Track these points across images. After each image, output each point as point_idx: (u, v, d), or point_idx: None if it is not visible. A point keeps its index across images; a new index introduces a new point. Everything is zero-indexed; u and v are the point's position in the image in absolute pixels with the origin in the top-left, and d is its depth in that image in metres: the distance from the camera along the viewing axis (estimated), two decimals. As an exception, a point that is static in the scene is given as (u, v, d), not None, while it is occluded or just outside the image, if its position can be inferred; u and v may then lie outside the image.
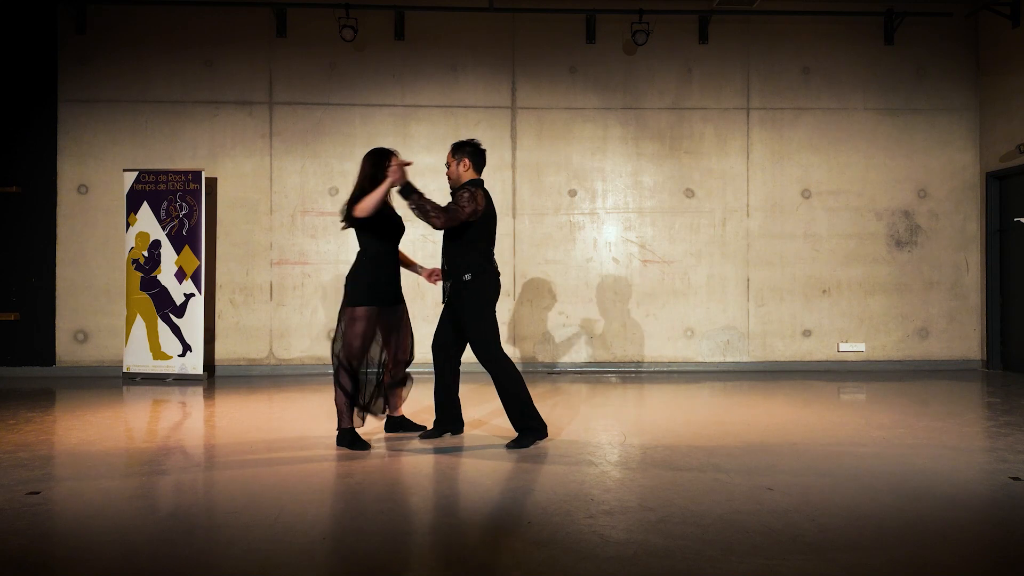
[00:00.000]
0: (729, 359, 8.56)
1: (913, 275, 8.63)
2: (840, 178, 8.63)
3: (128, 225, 7.93)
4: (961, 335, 8.64)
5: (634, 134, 8.57)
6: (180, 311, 7.82)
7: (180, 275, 7.84)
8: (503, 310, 8.32)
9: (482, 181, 4.78)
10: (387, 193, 4.49)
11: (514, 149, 8.49)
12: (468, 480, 3.97)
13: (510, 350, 8.33)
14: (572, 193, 8.53)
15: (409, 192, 4.48)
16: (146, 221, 7.90)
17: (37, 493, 3.67)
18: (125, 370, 7.84)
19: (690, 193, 8.57)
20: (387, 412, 4.91)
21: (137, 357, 7.83)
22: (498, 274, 4.75)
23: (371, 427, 5.12)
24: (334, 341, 4.69)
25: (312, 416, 5.78)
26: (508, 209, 8.45)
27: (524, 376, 4.87)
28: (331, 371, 8.14)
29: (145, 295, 7.86)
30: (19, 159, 8.22)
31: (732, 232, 8.57)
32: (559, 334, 8.49)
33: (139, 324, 7.84)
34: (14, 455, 4.46)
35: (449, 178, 4.80)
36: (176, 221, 7.87)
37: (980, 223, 8.64)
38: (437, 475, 4.13)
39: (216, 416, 5.93)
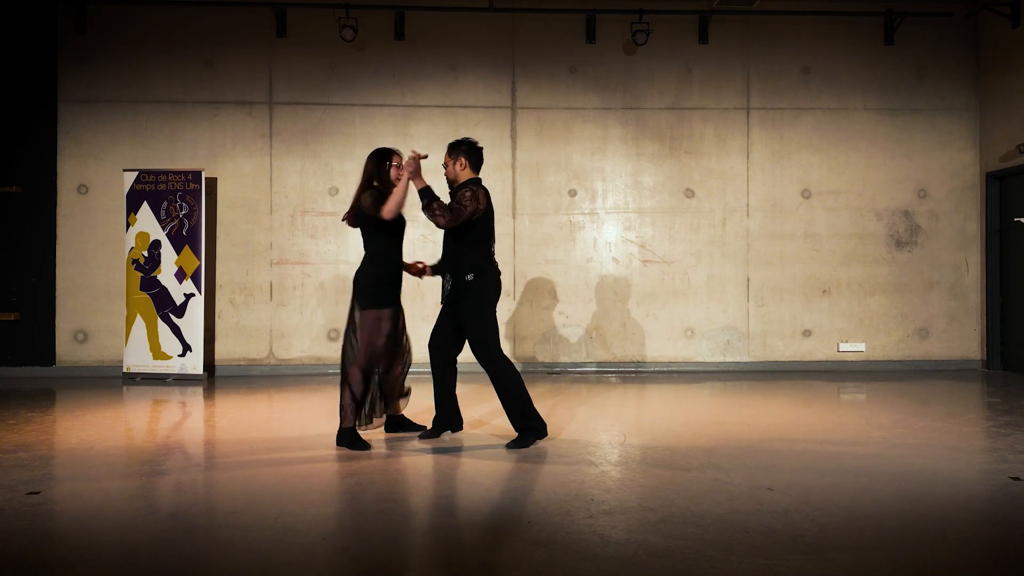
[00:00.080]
0: (729, 359, 8.56)
1: (913, 275, 8.63)
2: (840, 178, 8.63)
3: (128, 225, 7.93)
4: (961, 335, 8.64)
5: (634, 134, 8.57)
6: (180, 311, 7.82)
7: (180, 275, 7.84)
8: (503, 310, 8.32)
9: (480, 180, 4.77)
10: (404, 189, 4.51)
11: (514, 149, 8.49)
12: (468, 480, 3.97)
13: (510, 350, 8.33)
14: (572, 193, 8.53)
15: (425, 190, 4.50)
16: (146, 221, 7.90)
17: (37, 493, 3.67)
18: (125, 370, 7.84)
19: (690, 193, 8.57)
20: (385, 414, 4.92)
21: (137, 357, 7.83)
22: (499, 274, 4.75)
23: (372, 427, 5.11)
24: (346, 342, 4.69)
25: (312, 416, 5.77)
26: (508, 209, 8.45)
27: (524, 376, 4.88)
28: (330, 371, 8.22)
29: (145, 295, 7.86)
30: (19, 159, 8.22)
31: (732, 232, 8.57)
32: (559, 334, 8.49)
33: (139, 324, 7.84)
34: (14, 455, 4.46)
35: (447, 178, 4.81)
36: (176, 221, 7.87)
37: (980, 223, 8.64)
38: (437, 475, 4.13)
39: (216, 416, 5.93)
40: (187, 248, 7.84)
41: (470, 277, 4.60)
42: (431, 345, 4.83)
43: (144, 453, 4.64)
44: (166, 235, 7.87)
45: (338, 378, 7.77)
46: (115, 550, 2.95)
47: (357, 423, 4.67)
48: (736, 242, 8.57)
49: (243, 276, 8.32)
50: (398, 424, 5.02)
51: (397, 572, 2.78)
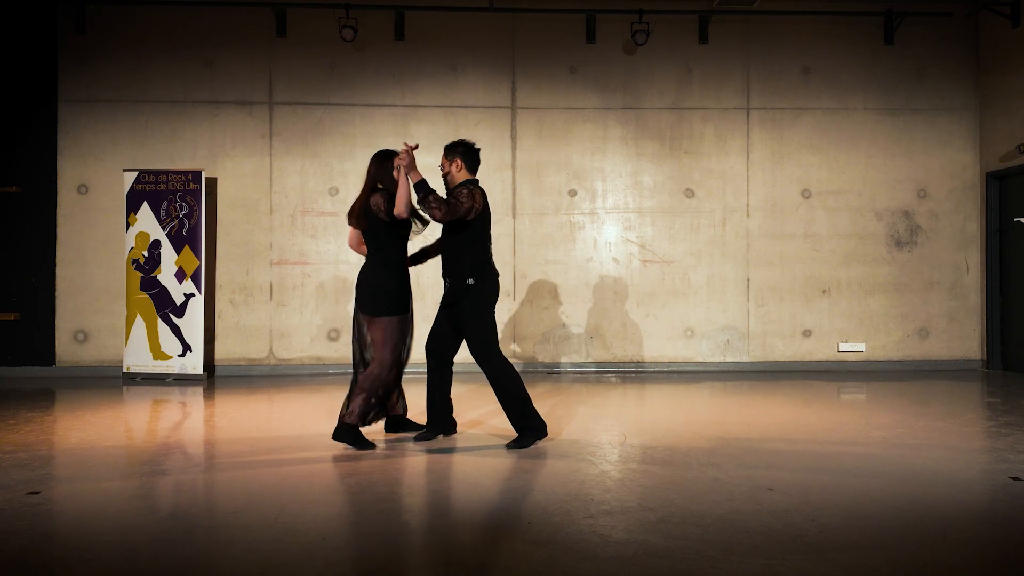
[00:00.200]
0: (729, 359, 8.56)
1: (913, 275, 8.63)
2: (840, 178, 8.63)
3: (128, 225, 7.93)
4: (961, 335, 8.64)
5: (634, 134, 8.57)
6: (180, 311, 7.82)
7: (180, 275, 7.84)
8: (503, 310, 8.32)
9: (477, 181, 4.77)
10: (409, 183, 4.54)
11: (514, 149, 8.49)
12: (468, 480, 3.97)
13: (511, 350, 8.33)
14: (572, 193, 8.53)
15: (421, 183, 4.50)
16: (146, 221, 7.90)
17: (37, 493, 3.67)
18: (125, 370, 7.84)
19: (690, 193, 8.57)
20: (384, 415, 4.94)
21: (137, 357, 7.83)
22: (497, 275, 4.75)
23: (372, 427, 5.11)
24: (364, 347, 4.70)
25: (312, 416, 5.77)
26: (508, 209, 8.45)
27: (524, 376, 4.88)
28: (330, 371, 8.22)
29: (145, 295, 7.86)
30: (19, 159, 8.22)
31: (732, 232, 8.57)
32: (559, 334, 8.49)
33: (139, 324, 7.84)
34: (14, 455, 4.46)
35: (444, 179, 4.81)
36: (176, 221, 7.87)
37: (980, 223, 8.64)
38: (437, 475, 4.13)
39: (216, 416, 5.93)
40: (187, 248, 7.84)
41: (471, 281, 4.60)
42: (428, 346, 4.82)
43: (144, 453, 4.64)
44: (166, 235, 7.87)
45: (338, 378, 7.81)
46: (115, 550, 2.95)
47: (373, 413, 4.71)
48: (736, 242, 8.57)
49: (243, 276, 8.32)
50: (398, 424, 5.02)
51: (397, 572, 2.78)
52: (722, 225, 8.57)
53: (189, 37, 8.34)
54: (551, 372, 8.39)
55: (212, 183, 8.25)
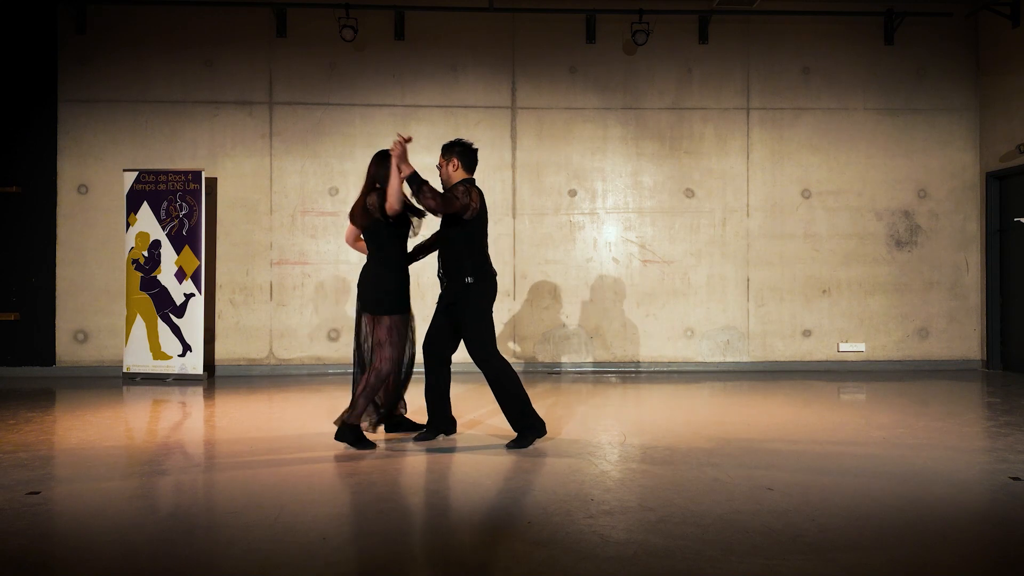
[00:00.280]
0: (729, 359, 8.56)
1: (913, 275, 8.63)
2: (840, 178, 8.63)
3: (128, 225, 7.93)
4: (961, 335, 8.64)
5: (634, 134, 8.57)
6: (180, 311, 7.82)
7: (180, 275, 7.84)
8: (503, 310, 8.33)
9: (474, 180, 4.77)
10: (400, 178, 4.52)
11: (514, 149, 8.49)
12: (468, 480, 3.97)
13: (511, 350, 8.33)
14: (572, 193, 8.53)
15: (414, 176, 4.48)
16: (146, 221, 7.90)
17: (37, 493, 3.67)
18: (125, 370, 7.84)
19: (690, 193, 8.57)
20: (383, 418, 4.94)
21: (137, 357, 7.83)
22: (495, 275, 4.76)
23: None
24: (371, 348, 4.70)
25: (312, 416, 5.77)
26: (508, 209, 8.45)
27: (524, 376, 4.88)
28: (330, 371, 8.22)
29: (145, 295, 7.86)
30: (19, 159, 8.22)
31: (732, 232, 8.57)
32: (559, 334, 8.49)
33: (139, 324, 7.84)
34: (14, 455, 4.46)
35: (441, 179, 4.81)
36: (176, 221, 7.87)
37: (980, 223, 8.64)
38: (437, 475, 4.13)
39: (216, 416, 5.93)
40: (187, 248, 7.84)
41: (470, 280, 4.60)
42: (426, 347, 4.82)
43: (144, 453, 4.64)
44: (166, 235, 7.87)
45: (338, 378, 7.81)
46: (115, 550, 2.95)
47: (374, 410, 4.73)
48: (736, 242, 8.57)
49: (243, 276, 8.32)
50: (398, 424, 5.02)
51: (397, 572, 2.78)
52: (722, 225, 8.57)
53: (189, 37, 8.34)
54: (551, 372, 8.39)
55: (212, 183, 8.25)
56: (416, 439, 4.84)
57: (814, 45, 8.66)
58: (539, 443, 4.73)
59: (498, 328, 8.20)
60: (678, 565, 2.75)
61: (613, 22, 8.51)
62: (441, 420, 4.88)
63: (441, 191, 4.61)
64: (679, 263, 8.54)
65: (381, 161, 4.72)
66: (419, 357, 4.94)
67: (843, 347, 8.57)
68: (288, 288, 8.34)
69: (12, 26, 8.20)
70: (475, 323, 4.62)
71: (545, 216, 8.50)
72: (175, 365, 7.79)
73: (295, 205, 8.37)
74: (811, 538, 3.02)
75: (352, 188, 8.18)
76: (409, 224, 4.77)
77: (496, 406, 5.55)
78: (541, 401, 6.31)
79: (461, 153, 4.75)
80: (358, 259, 4.88)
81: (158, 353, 7.80)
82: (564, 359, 8.49)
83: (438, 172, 4.82)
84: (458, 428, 5.12)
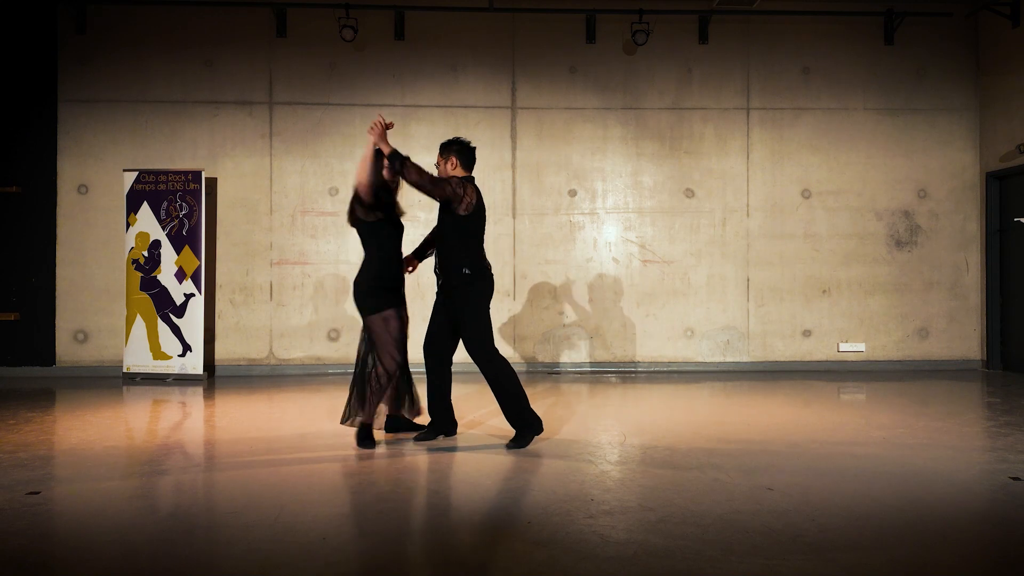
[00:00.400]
0: (729, 359, 8.56)
1: (913, 275, 8.63)
2: (840, 178, 8.63)
3: (128, 225, 7.93)
4: (961, 335, 8.64)
5: (634, 134, 8.57)
6: (180, 311, 7.82)
7: (180, 275, 7.84)
8: (503, 310, 8.33)
9: (473, 178, 4.78)
10: (376, 159, 4.53)
11: (514, 149, 8.49)
12: (468, 480, 3.97)
13: (510, 350, 8.33)
14: (572, 193, 8.53)
15: (394, 153, 4.45)
16: (146, 221, 7.90)
17: (37, 493, 3.67)
18: (125, 370, 7.84)
19: (690, 193, 8.57)
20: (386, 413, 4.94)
21: (137, 357, 7.83)
22: (492, 273, 4.77)
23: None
24: (369, 350, 4.70)
25: (312, 416, 5.77)
26: (508, 209, 8.45)
27: (524, 376, 4.88)
28: (330, 371, 8.22)
29: (145, 295, 7.86)
30: (19, 159, 8.22)
31: (732, 232, 8.57)
32: (559, 334, 8.49)
33: (139, 324, 7.84)
34: (14, 455, 4.46)
35: None
36: (176, 221, 7.87)
37: (980, 223, 8.64)
38: (437, 475, 4.13)
39: (216, 416, 5.93)
40: (187, 248, 7.84)
41: (467, 270, 4.60)
42: (426, 347, 4.82)
43: (144, 453, 4.64)
44: (166, 235, 7.87)
45: (338, 378, 7.81)
46: (115, 550, 2.95)
47: (356, 419, 4.72)
48: (736, 242, 8.57)
49: (243, 276, 8.32)
50: (398, 424, 5.02)
51: (397, 572, 2.78)
52: (722, 225, 8.57)
53: (189, 37, 8.34)
54: (551, 372, 8.39)
55: (212, 183, 8.25)
56: (416, 439, 4.84)
57: (814, 45, 8.66)
58: (539, 443, 4.73)
59: (498, 328, 8.20)
60: (678, 565, 2.75)
61: (613, 22, 8.51)
62: (442, 421, 4.87)
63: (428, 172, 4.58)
64: (679, 263, 8.54)
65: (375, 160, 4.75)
66: (419, 357, 4.93)
67: (843, 347, 8.57)
68: (288, 288, 8.34)
69: (12, 26, 8.20)
70: (473, 322, 4.62)
71: (545, 216, 8.50)
72: (175, 365, 7.79)
73: (295, 205, 8.37)
74: (811, 538, 3.02)
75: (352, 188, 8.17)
76: (387, 222, 4.73)
77: (497, 407, 5.55)
78: (541, 401, 6.32)
79: (459, 152, 4.75)
80: (358, 259, 4.88)
81: (158, 353, 7.81)
82: (564, 359, 8.49)
83: (436, 171, 4.82)
84: (459, 428, 5.12)
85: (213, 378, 8.07)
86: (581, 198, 8.54)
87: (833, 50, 8.66)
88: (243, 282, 8.32)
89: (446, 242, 4.69)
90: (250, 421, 5.63)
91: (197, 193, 7.85)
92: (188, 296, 7.82)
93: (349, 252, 8.25)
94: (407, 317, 4.86)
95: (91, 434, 5.12)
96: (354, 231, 4.86)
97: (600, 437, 5.00)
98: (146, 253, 7.89)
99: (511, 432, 4.81)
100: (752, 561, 2.78)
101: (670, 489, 3.71)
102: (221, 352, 8.30)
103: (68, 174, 8.26)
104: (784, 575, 2.67)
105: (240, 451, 4.61)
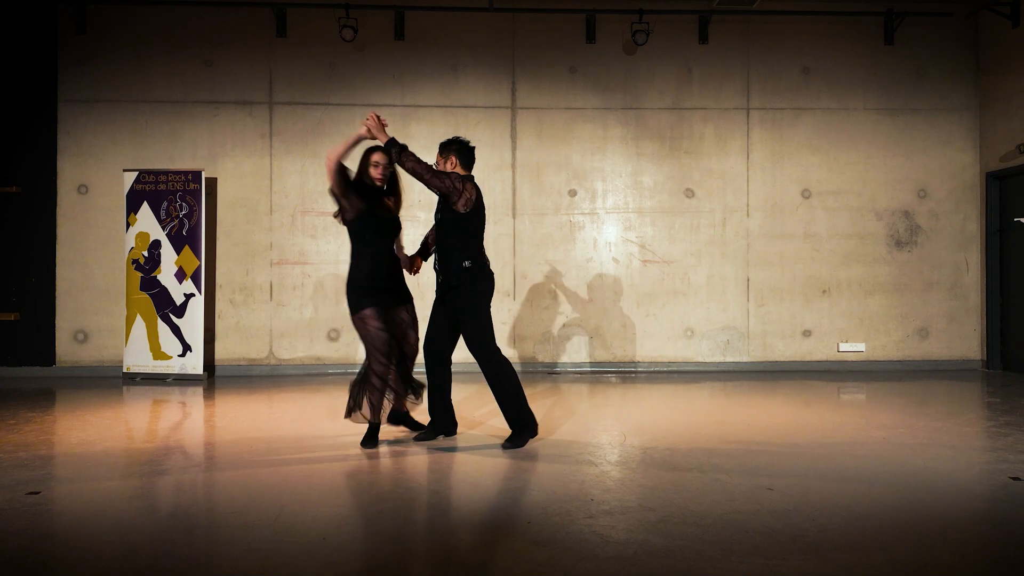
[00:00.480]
0: (729, 359, 8.56)
1: (913, 275, 8.63)
2: (840, 178, 8.63)
3: (128, 225, 7.93)
4: (961, 335, 8.64)
5: (634, 134, 8.57)
6: (180, 311, 7.82)
7: (180, 275, 7.84)
8: (503, 310, 8.33)
9: (472, 177, 4.78)
10: (352, 146, 4.58)
11: (514, 149, 8.49)
12: (468, 480, 3.97)
13: (510, 350, 8.33)
14: (572, 193, 8.53)
15: (391, 141, 4.50)
16: (146, 221, 7.90)
17: (37, 493, 3.67)
18: (125, 370, 7.84)
19: (690, 193, 8.57)
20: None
21: (137, 357, 7.83)
22: (492, 272, 4.77)
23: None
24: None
25: (312, 416, 5.77)
26: (508, 209, 8.45)
27: (524, 376, 4.88)
28: (330, 371, 8.22)
29: (145, 295, 7.86)
30: (19, 159, 8.22)
31: (732, 232, 8.57)
32: (559, 334, 8.49)
33: (139, 324, 7.84)
34: (14, 455, 4.46)
35: None
36: (176, 221, 7.87)
37: (980, 223, 8.64)
38: (437, 475, 4.13)
39: (216, 416, 5.93)
40: (187, 248, 7.84)
41: (467, 264, 4.59)
42: (426, 346, 4.81)
43: (144, 453, 4.64)
44: (166, 235, 7.87)
45: (338, 378, 7.81)
46: (115, 550, 2.95)
47: (356, 414, 4.72)
48: (736, 242, 8.57)
49: (243, 276, 8.32)
50: (401, 419, 4.98)
51: (397, 572, 2.78)
52: (722, 225, 8.57)
53: (189, 37, 8.34)
54: (551, 372, 8.39)
55: (212, 183, 8.24)
56: (416, 439, 4.84)
57: (814, 45, 8.66)
58: (538, 443, 4.73)
59: (498, 328, 8.19)
60: (678, 565, 2.75)
61: (613, 22, 8.51)
62: (443, 421, 4.87)
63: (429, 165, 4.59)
64: (679, 263, 8.54)
65: (365, 155, 4.80)
66: (419, 357, 4.92)
67: (843, 347, 8.57)
68: (288, 288, 8.34)
69: (12, 26, 8.20)
70: (474, 322, 4.62)
71: (545, 216, 8.50)
72: (175, 365, 7.79)
73: (295, 205, 8.37)
74: (811, 538, 3.02)
75: (352, 188, 8.17)
76: (371, 222, 4.71)
77: (497, 407, 5.55)
78: (541, 401, 6.32)
79: (459, 151, 4.76)
80: (358, 259, 4.87)
81: (158, 353, 7.81)
82: (564, 359, 8.49)
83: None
84: (459, 428, 5.12)
85: (213, 378, 8.07)
86: (581, 198, 8.54)
87: (833, 50, 8.66)
88: (243, 282, 8.32)
89: (446, 239, 4.69)
90: (250, 421, 5.63)
91: (197, 193, 7.85)
92: (188, 296, 7.82)
93: (349, 252, 8.23)
94: (407, 317, 4.80)
95: (91, 434, 5.12)
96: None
97: (600, 437, 4.99)
98: (146, 253, 7.89)
99: (508, 431, 4.81)
100: (752, 561, 2.78)
101: (670, 489, 3.71)
102: (221, 352, 8.30)
103: (68, 174, 8.26)
104: (784, 575, 2.67)
105: (240, 451, 4.61)
